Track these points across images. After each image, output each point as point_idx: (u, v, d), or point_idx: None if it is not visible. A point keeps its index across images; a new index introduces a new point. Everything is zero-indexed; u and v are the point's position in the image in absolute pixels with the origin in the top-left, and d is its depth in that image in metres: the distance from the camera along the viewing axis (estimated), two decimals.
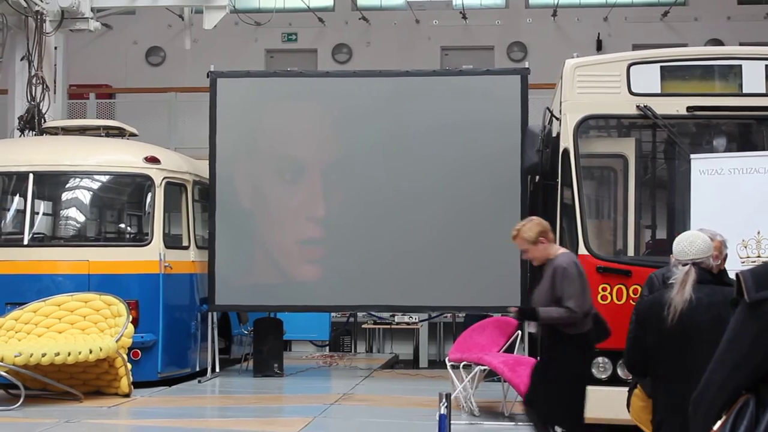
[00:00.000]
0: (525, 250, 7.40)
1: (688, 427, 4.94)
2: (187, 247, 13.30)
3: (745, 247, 7.91)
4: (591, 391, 8.50)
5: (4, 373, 10.76)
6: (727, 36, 21.75)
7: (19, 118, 15.15)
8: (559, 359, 7.30)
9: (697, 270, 5.39)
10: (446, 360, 10.75)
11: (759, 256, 7.86)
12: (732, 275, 5.49)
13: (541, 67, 14.55)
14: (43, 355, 10.64)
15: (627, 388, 6.27)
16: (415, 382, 13.78)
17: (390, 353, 18.41)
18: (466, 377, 10.24)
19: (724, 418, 2.99)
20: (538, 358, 7.75)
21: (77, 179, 13.22)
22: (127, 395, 11.42)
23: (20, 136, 14.98)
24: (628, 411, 5.94)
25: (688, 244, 5.48)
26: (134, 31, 23.88)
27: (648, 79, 8.89)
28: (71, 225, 13.59)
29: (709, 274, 5.47)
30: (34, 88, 15.09)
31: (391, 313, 17.52)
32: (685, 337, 5.31)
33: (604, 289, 8.51)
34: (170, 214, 13.31)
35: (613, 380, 8.51)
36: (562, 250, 7.43)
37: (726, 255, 6.07)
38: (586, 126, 9.03)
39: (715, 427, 3.00)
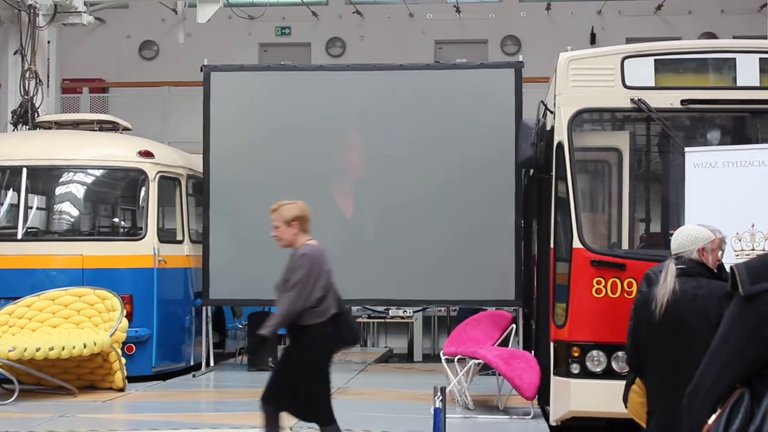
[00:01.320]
0: (276, 227, 7.37)
1: (675, 417, 4.98)
2: (181, 242, 13.30)
3: (740, 240, 7.91)
4: (586, 384, 8.54)
5: None
6: (721, 29, 21.76)
7: (12, 112, 15.13)
8: (296, 351, 7.34)
9: (677, 263, 5.45)
10: (441, 354, 10.74)
11: (753, 249, 7.86)
12: (727, 268, 5.51)
13: (535, 61, 14.53)
14: (37, 350, 10.62)
15: (621, 381, 6.27)
16: (410, 375, 13.78)
17: (384, 347, 18.41)
18: (461, 371, 10.23)
19: (718, 411, 2.98)
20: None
21: (71, 173, 13.21)
22: (121, 389, 11.42)
23: (13, 130, 14.96)
24: (625, 405, 5.93)
25: (673, 240, 5.60)
26: (127, 25, 23.84)
27: (642, 72, 8.88)
28: (65, 219, 13.58)
29: (703, 268, 5.49)
30: (27, 82, 15.07)
31: (385, 307, 17.51)
32: (670, 328, 5.37)
33: (598, 283, 8.50)
34: (164, 209, 13.30)
35: (608, 374, 8.51)
36: (312, 242, 7.37)
37: (724, 249, 6.08)
38: (581, 119, 9.02)
39: (710, 421, 2.99)
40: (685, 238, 5.55)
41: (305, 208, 7.43)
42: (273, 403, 7.28)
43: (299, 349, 7.31)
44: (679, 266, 5.44)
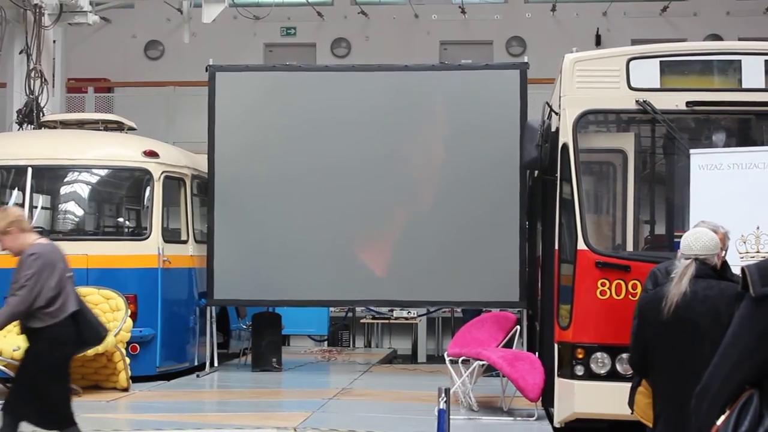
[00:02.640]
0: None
1: (683, 418, 4.98)
2: (185, 242, 13.29)
3: (744, 243, 7.91)
4: (590, 386, 8.54)
5: (2, 367, 10.74)
6: (727, 31, 21.76)
7: (17, 111, 15.13)
8: (32, 356, 7.21)
9: (697, 265, 5.42)
10: (445, 355, 10.74)
11: (758, 252, 7.87)
12: (735, 270, 5.51)
13: (540, 62, 14.55)
14: None
15: (625, 383, 6.26)
16: (414, 376, 13.78)
17: (388, 348, 18.39)
18: (465, 372, 10.23)
19: (727, 413, 2.98)
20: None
21: (76, 173, 13.21)
22: (125, 389, 11.41)
23: (19, 129, 14.96)
24: (630, 408, 5.91)
25: (694, 240, 5.54)
26: (133, 24, 23.88)
27: (647, 74, 8.88)
28: (70, 219, 13.57)
29: (711, 270, 5.48)
30: (32, 81, 15.08)
31: (389, 308, 17.51)
32: (680, 329, 5.35)
33: (603, 284, 8.50)
34: (169, 209, 13.29)
35: (612, 375, 8.51)
36: (42, 240, 7.23)
37: (728, 247, 6.08)
38: (586, 121, 9.02)
39: (719, 422, 2.99)
40: (710, 242, 5.51)
41: (14, 211, 7.35)
42: (12, 414, 7.11)
43: (35, 353, 7.13)
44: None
